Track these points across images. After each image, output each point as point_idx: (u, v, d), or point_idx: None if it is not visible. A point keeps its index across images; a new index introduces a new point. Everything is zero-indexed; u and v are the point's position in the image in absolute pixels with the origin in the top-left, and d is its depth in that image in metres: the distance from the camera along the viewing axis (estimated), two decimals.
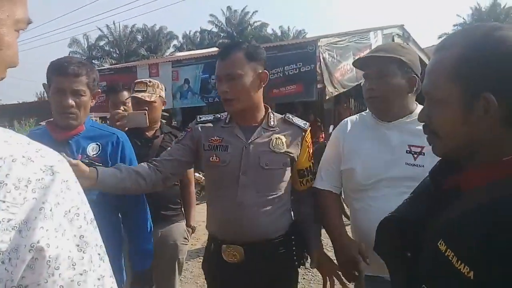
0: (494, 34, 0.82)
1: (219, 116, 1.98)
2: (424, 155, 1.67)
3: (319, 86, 8.64)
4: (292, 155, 1.86)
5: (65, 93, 1.73)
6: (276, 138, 1.85)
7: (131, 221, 2.01)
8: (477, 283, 0.69)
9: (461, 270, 0.70)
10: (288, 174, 1.87)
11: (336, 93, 9.43)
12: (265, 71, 1.84)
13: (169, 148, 1.99)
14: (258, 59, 1.81)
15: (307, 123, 1.96)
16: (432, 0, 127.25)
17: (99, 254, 0.63)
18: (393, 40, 13.12)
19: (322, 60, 8.67)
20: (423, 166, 1.64)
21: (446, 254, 0.75)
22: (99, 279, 0.62)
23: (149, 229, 2.05)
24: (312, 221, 1.93)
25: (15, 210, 0.54)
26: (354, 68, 10.07)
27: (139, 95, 2.50)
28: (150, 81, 2.62)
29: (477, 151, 0.85)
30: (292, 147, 1.88)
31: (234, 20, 44.62)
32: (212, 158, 1.83)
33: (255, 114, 1.89)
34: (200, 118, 1.99)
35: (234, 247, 1.78)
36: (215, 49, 20.84)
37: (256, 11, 51.78)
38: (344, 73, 9.67)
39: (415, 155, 1.68)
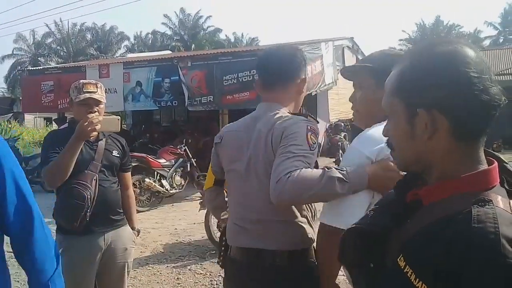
0: (430, 50, 0.84)
1: None
2: None
3: None
4: None
5: None
6: None
7: (23, 253, 1.44)
8: None
9: (419, 287, 0.71)
10: None
11: None
12: None
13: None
14: None
15: None
16: (380, 15, 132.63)
17: None
18: (343, 52, 13.55)
19: None
20: None
21: (404, 271, 0.75)
22: None
23: (50, 260, 1.49)
24: None
25: None
26: (306, 78, 10.35)
27: (93, 96, 2.42)
28: (97, 83, 2.54)
29: (432, 166, 0.85)
30: None
31: (187, 24, 44.24)
32: None
33: None
34: None
35: None
36: (168, 52, 20.54)
37: (210, 16, 51.71)
38: None
39: None
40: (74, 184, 2.30)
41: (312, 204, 1.75)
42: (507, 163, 0.88)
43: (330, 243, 1.42)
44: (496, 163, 0.84)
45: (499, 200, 0.77)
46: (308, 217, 1.72)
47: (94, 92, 2.42)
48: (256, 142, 1.68)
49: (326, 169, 1.44)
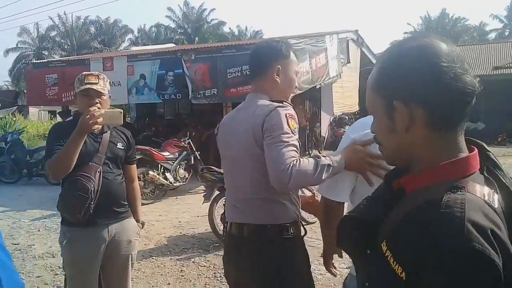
0: (401, 46, 0.88)
1: None
2: None
3: None
4: None
5: None
6: None
7: None
8: (408, 283, 0.73)
9: (396, 270, 0.75)
10: None
11: (293, 94, 9.54)
12: None
13: None
14: None
15: None
16: (385, 9, 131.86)
17: None
18: (347, 45, 13.48)
19: None
20: None
21: (386, 255, 0.79)
22: None
23: None
24: None
25: None
26: (310, 71, 10.32)
27: (94, 87, 2.42)
28: (100, 74, 2.53)
29: (413, 157, 0.89)
30: None
31: (191, 17, 44.13)
32: None
33: None
34: None
35: None
36: (172, 45, 20.49)
37: (214, 9, 51.54)
38: (300, 75, 9.79)
39: None
40: (77, 176, 2.32)
41: None
42: (489, 151, 0.90)
43: (329, 211, 1.80)
44: (475, 151, 0.86)
45: (476, 186, 0.79)
46: (292, 197, 1.89)
47: (96, 83, 2.41)
48: (241, 131, 1.87)
49: (317, 158, 1.69)
